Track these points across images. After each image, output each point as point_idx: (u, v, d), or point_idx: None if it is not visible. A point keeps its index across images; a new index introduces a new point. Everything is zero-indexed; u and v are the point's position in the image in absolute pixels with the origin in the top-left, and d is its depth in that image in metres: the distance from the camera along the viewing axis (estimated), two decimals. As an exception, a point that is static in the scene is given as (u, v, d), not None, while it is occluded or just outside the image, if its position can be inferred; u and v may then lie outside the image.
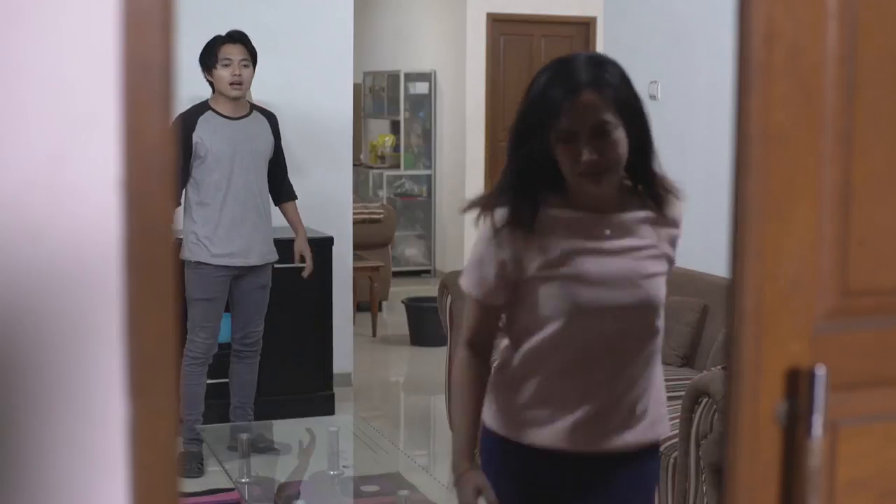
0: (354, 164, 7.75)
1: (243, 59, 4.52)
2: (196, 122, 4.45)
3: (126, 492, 1.24)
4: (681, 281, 4.58)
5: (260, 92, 5.66)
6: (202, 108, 4.53)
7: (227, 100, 4.52)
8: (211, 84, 4.55)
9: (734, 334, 1.45)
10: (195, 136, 4.42)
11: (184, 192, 4.51)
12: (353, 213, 6.35)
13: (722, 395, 2.95)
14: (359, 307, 7.52)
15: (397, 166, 10.10)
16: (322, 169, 5.99)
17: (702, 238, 5.37)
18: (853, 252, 1.49)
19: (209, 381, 5.23)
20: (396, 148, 10.16)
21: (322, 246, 5.49)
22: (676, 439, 3.29)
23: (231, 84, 4.47)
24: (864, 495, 1.52)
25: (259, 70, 5.11)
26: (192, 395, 4.63)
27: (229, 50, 4.51)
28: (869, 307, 1.52)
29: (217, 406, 5.20)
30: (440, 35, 9.91)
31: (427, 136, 10.07)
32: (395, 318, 7.97)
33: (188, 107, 4.56)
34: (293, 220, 4.83)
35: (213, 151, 4.44)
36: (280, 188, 4.78)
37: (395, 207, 9.47)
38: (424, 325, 7.08)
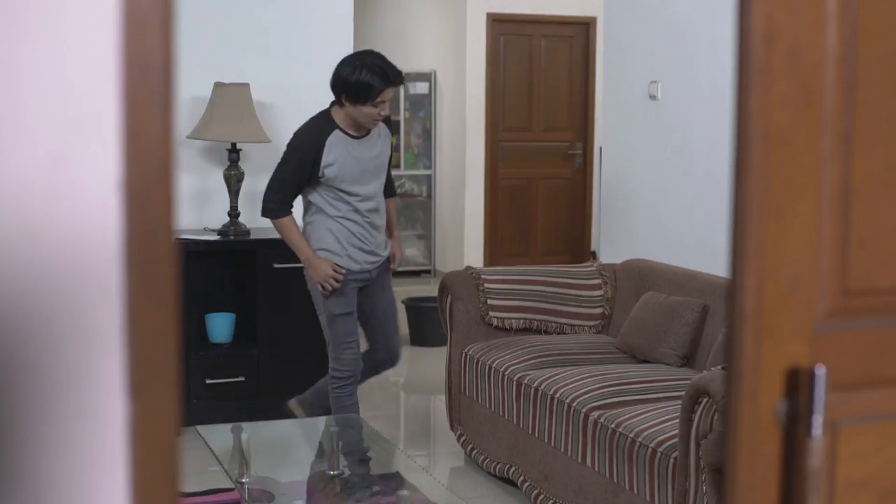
0: (354, 164, 7.75)
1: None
2: (324, 143, 4.31)
3: (126, 491, 1.24)
4: (681, 281, 4.58)
5: (260, 92, 5.67)
6: (328, 125, 4.37)
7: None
8: (340, 103, 4.37)
9: (734, 334, 1.45)
10: (326, 158, 4.30)
11: (308, 205, 4.44)
12: (354, 213, 6.33)
13: (722, 395, 2.95)
14: (359, 307, 7.52)
15: (397, 166, 10.10)
16: (322, 169, 5.98)
17: (702, 238, 5.37)
18: (853, 252, 1.49)
19: (209, 381, 5.26)
20: (396, 148, 10.16)
21: (322, 246, 5.49)
22: (676, 439, 3.29)
23: (374, 120, 4.35)
24: (864, 495, 1.52)
25: (259, 70, 5.11)
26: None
27: (389, 93, 4.34)
28: (869, 307, 1.52)
29: (217, 406, 5.20)
30: (440, 35, 9.91)
31: (427, 136, 10.07)
32: (395, 318, 7.96)
33: (310, 120, 4.42)
34: (391, 217, 4.69)
35: (343, 172, 4.34)
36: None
37: (395, 207, 9.47)
38: (424, 325, 7.08)
